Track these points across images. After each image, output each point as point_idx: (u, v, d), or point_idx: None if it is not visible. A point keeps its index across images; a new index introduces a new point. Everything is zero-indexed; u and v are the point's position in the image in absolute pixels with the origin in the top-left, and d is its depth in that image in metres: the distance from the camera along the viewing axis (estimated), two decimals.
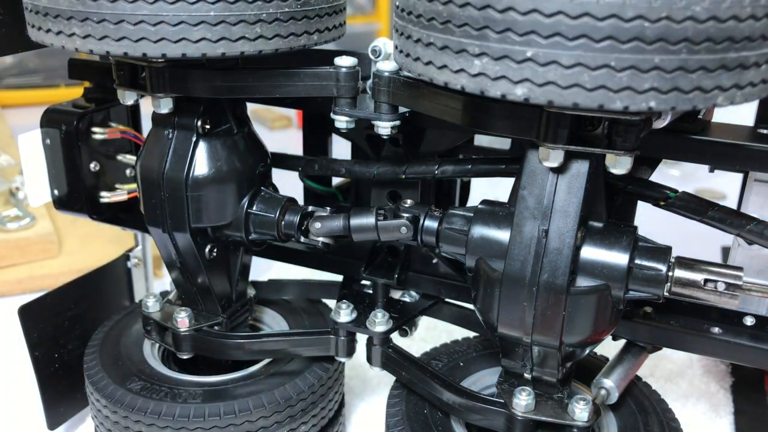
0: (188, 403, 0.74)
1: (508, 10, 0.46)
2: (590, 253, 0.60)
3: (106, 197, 0.90)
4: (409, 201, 0.70)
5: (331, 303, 0.91)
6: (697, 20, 0.43)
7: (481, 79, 0.49)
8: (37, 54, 2.42)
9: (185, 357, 0.80)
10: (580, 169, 0.58)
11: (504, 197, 0.66)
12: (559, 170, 0.59)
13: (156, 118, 0.72)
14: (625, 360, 0.74)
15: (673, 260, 0.61)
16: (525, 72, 0.47)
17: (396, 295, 0.86)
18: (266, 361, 0.82)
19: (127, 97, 0.71)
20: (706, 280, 0.60)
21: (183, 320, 0.78)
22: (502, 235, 0.62)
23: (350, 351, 0.80)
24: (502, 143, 0.94)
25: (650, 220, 0.86)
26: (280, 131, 2.29)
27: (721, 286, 0.60)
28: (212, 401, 0.74)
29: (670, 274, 0.61)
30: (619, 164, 0.55)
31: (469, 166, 0.72)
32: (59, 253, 1.37)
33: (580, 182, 0.58)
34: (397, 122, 0.68)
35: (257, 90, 0.68)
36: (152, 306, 0.80)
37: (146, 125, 0.80)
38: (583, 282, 0.60)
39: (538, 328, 0.61)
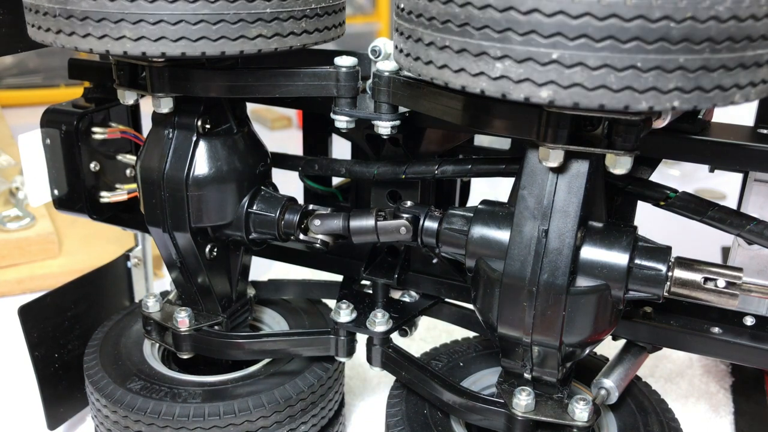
0: (188, 402, 0.74)
1: (467, 5, 0.47)
2: (590, 253, 0.60)
3: (106, 197, 0.90)
4: (408, 202, 0.71)
5: (331, 303, 0.91)
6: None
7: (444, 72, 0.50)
8: (37, 54, 2.42)
9: (185, 357, 0.80)
10: (580, 169, 0.58)
11: (504, 197, 0.66)
12: (559, 170, 0.59)
13: (156, 117, 0.72)
14: (625, 360, 0.74)
15: (672, 260, 0.61)
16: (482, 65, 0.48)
17: (396, 295, 0.86)
18: (266, 360, 0.82)
19: (127, 97, 0.71)
20: (706, 280, 0.61)
21: (183, 320, 0.78)
22: (502, 235, 0.62)
23: (350, 351, 0.80)
24: (502, 143, 0.94)
25: (650, 220, 0.86)
26: (280, 131, 2.29)
27: (720, 286, 0.60)
28: (212, 401, 0.74)
29: (670, 274, 0.61)
30: (619, 164, 0.55)
31: (469, 166, 0.72)
32: (59, 253, 1.37)
33: (580, 182, 0.58)
34: (397, 122, 0.68)
35: (257, 90, 0.68)
36: (152, 306, 0.80)
37: (146, 125, 0.80)
38: (583, 282, 0.60)
39: (538, 328, 0.61)
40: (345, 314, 0.79)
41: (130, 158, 0.92)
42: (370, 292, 0.85)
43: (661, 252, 0.61)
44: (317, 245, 0.75)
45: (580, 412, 0.65)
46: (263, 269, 1.24)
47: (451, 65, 0.50)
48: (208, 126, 0.71)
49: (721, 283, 0.60)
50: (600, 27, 0.44)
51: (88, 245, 1.39)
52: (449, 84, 0.51)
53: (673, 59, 0.44)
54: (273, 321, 0.91)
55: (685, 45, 0.44)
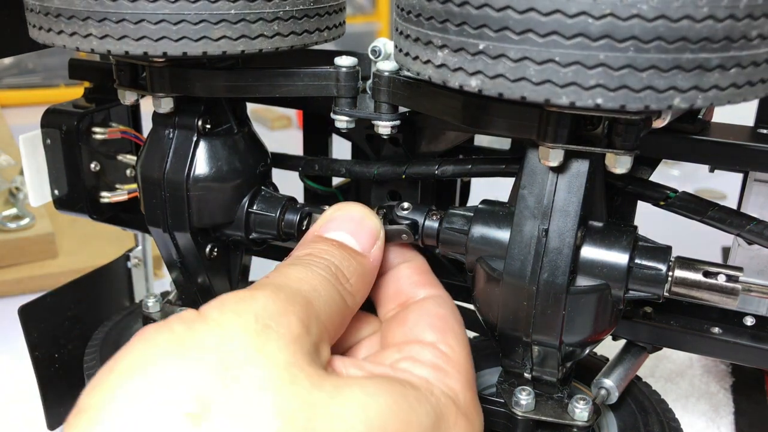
0: None
1: (464, 4, 0.47)
2: (590, 252, 0.60)
3: (107, 197, 0.90)
4: (406, 204, 0.70)
5: None
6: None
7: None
8: (37, 54, 2.43)
9: None
10: (580, 168, 0.58)
11: (504, 197, 0.66)
12: (559, 170, 0.59)
13: (156, 117, 0.72)
14: (625, 360, 0.74)
15: (673, 260, 0.61)
16: (478, 64, 0.48)
17: None
18: None
19: (128, 97, 0.71)
20: (706, 279, 0.60)
21: None
22: (502, 234, 0.62)
23: None
24: (502, 143, 0.94)
25: (650, 220, 0.86)
26: (280, 131, 2.29)
27: (720, 286, 0.60)
28: None
29: (670, 273, 0.61)
30: (619, 164, 0.55)
31: (469, 166, 0.72)
32: (59, 253, 1.37)
33: (580, 182, 0.58)
34: (397, 122, 0.68)
35: (257, 90, 0.68)
36: (152, 306, 0.80)
37: (146, 125, 0.80)
38: (583, 282, 0.60)
39: (538, 327, 0.61)
40: None
41: (130, 158, 0.92)
42: None
43: (662, 252, 0.61)
44: None
45: (580, 411, 0.65)
46: (263, 269, 1.24)
47: (449, 64, 0.50)
48: (208, 126, 0.71)
49: (721, 282, 0.60)
50: (596, 26, 0.44)
51: (88, 245, 1.39)
52: (447, 83, 0.51)
53: (670, 58, 0.44)
54: None
55: (681, 44, 0.44)
